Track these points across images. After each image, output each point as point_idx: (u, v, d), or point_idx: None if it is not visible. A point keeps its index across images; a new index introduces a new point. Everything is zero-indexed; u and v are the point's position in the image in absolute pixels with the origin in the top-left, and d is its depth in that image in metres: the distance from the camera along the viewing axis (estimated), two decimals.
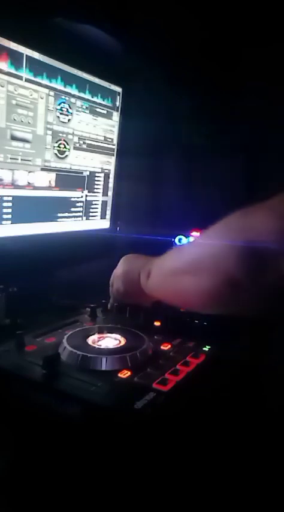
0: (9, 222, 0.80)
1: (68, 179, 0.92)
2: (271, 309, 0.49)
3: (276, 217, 0.43)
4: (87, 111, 0.94)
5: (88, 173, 0.98)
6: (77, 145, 0.93)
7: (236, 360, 0.66)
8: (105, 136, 1.00)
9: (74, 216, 0.97)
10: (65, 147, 0.90)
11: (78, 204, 0.97)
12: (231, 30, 0.94)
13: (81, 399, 0.50)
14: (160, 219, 1.12)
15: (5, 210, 0.79)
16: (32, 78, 0.79)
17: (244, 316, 0.56)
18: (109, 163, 1.04)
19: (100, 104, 0.97)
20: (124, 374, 0.56)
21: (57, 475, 0.51)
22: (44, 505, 0.52)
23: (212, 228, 0.51)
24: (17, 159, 0.79)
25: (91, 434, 0.49)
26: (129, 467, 0.47)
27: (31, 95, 0.79)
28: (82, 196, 0.98)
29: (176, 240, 1.02)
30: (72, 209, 0.96)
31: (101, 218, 1.06)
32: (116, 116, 1.02)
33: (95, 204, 1.03)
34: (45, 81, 0.82)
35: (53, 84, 0.84)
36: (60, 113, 0.87)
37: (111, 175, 1.06)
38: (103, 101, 0.98)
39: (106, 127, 1.00)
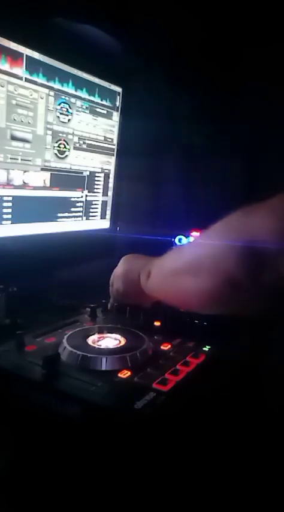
0: (9, 222, 0.80)
1: (68, 179, 0.92)
2: (271, 309, 0.49)
3: (276, 218, 0.43)
4: (87, 111, 0.94)
5: (88, 173, 0.98)
6: (77, 145, 0.93)
7: (236, 360, 0.66)
8: (105, 136, 1.00)
9: (74, 216, 0.97)
10: (65, 147, 0.90)
11: (78, 204, 0.97)
12: (231, 30, 0.94)
13: (81, 399, 0.50)
14: (160, 219, 1.12)
15: (5, 210, 0.79)
16: (32, 78, 0.79)
17: (244, 316, 0.56)
18: (109, 163, 1.04)
19: (100, 104, 0.97)
20: (124, 374, 0.56)
21: (57, 475, 0.51)
22: (44, 505, 0.52)
23: (212, 228, 0.51)
24: (17, 159, 0.79)
25: (91, 434, 0.49)
26: (129, 467, 0.47)
27: (31, 95, 0.79)
28: (82, 196, 0.98)
29: (176, 240, 1.02)
30: (72, 209, 0.96)
31: (101, 218, 1.06)
32: (116, 116, 1.02)
33: (95, 204, 1.03)
34: (45, 81, 0.82)
35: (53, 84, 0.84)
36: (60, 113, 0.87)
37: (111, 175, 1.06)
38: (103, 101, 0.98)
39: (106, 127, 1.00)
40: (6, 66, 0.73)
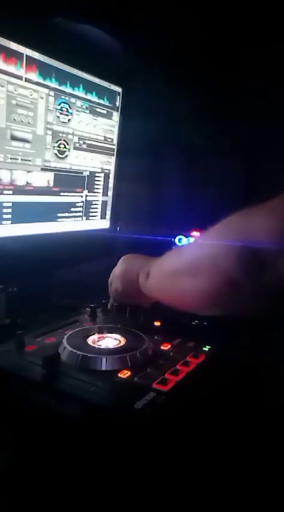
0: (9, 222, 0.80)
1: (68, 179, 0.92)
2: (271, 309, 0.49)
3: (276, 220, 0.43)
4: (87, 111, 0.94)
5: (88, 173, 0.98)
6: (77, 145, 0.93)
7: (236, 360, 0.66)
8: (105, 136, 1.00)
9: (74, 216, 0.97)
10: (65, 147, 0.90)
11: (78, 204, 0.97)
12: (231, 30, 0.94)
13: (81, 399, 0.50)
14: (160, 219, 1.12)
15: (5, 210, 0.79)
16: (32, 78, 0.79)
17: (244, 316, 0.55)
18: (109, 163, 1.04)
19: (100, 104, 0.97)
20: (124, 374, 0.56)
21: (57, 475, 0.51)
22: (44, 505, 0.52)
23: (212, 229, 0.51)
24: (17, 159, 0.79)
25: (91, 434, 0.49)
26: (129, 467, 0.47)
27: (31, 95, 0.79)
28: (82, 196, 0.98)
29: (176, 240, 1.02)
30: (72, 209, 0.96)
31: (101, 218, 1.06)
32: (116, 116, 1.02)
33: (95, 204, 1.03)
34: (45, 81, 0.82)
35: (53, 84, 0.84)
36: (60, 113, 0.87)
37: (111, 175, 1.06)
38: (103, 101, 0.98)
39: (106, 127, 1.00)
40: (6, 66, 0.73)
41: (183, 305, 0.60)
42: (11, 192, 0.79)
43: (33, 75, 0.79)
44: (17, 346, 0.62)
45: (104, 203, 1.06)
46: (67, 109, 0.88)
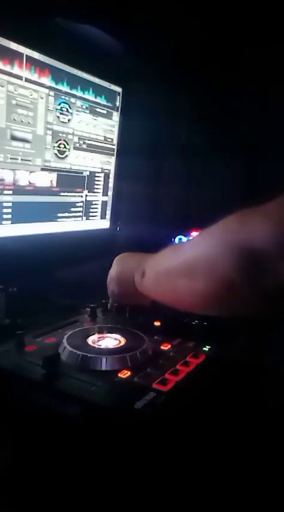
0: (9, 222, 0.80)
1: (68, 179, 0.92)
2: (270, 310, 0.49)
3: (273, 224, 0.43)
4: (87, 111, 0.94)
5: (88, 173, 0.98)
6: (77, 145, 0.93)
7: (236, 360, 0.66)
8: (105, 136, 1.00)
9: (74, 216, 0.97)
10: (65, 147, 0.90)
11: (78, 204, 0.97)
12: (231, 30, 0.94)
13: (81, 399, 0.50)
14: (160, 219, 1.12)
15: (5, 210, 0.79)
16: (32, 78, 0.79)
17: (243, 316, 0.55)
18: (109, 163, 1.04)
19: (100, 104, 0.97)
20: (124, 374, 0.56)
21: (57, 475, 0.51)
22: (44, 505, 0.52)
23: (208, 230, 0.51)
24: (17, 159, 0.79)
25: (91, 434, 0.49)
26: (129, 467, 0.47)
27: (31, 95, 0.79)
28: (82, 196, 0.98)
29: (176, 240, 1.02)
30: (72, 209, 0.96)
31: (101, 218, 1.06)
32: (116, 116, 1.02)
33: (95, 204, 1.03)
34: (45, 81, 0.82)
35: (53, 84, 0.84)
36: (60, 113, 0.87)
37: (111, 175, 1.06)
38: (103, 101, 0.98)
39: (106, 127, 1.00)
40: (6, 66, 0.73)
41: (180, 305, 0.59)
42: (11, 192, 0.79)
43: (33, 75, 0.79)
44: (17, 346, 0.62)
45: (104, 203, 1.06)
46: (67, 109, 0.88)
